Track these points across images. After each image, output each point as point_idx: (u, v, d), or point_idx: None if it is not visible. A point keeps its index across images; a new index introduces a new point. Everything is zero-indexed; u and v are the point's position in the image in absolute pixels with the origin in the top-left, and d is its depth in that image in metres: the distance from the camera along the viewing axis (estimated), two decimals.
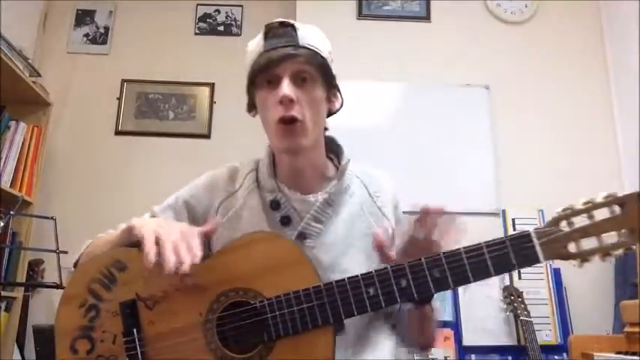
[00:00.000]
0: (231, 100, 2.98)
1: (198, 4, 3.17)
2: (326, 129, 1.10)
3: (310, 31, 1.04)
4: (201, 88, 3.03)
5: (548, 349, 2.31)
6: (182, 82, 3.02)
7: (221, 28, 3.16)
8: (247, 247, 0.95)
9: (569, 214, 0.84)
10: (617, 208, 0.81)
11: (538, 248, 0.84)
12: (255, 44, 1.07)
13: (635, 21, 2.59)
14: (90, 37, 3.09)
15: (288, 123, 0.99)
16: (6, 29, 2.37)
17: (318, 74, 1.02)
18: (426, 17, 2.91)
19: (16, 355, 2.32)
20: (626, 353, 1.83)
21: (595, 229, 0.82)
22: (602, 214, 0.82)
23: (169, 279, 0.89)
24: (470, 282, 0.86)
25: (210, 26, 3.16)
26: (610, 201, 0.82)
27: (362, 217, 1.08)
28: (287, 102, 0.98)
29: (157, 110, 2.99)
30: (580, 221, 0.83)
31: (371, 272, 0.89)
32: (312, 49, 1.02)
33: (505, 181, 2.65)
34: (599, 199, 0.83)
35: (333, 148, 1.14)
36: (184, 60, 3.06)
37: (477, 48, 2.85)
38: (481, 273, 0.86)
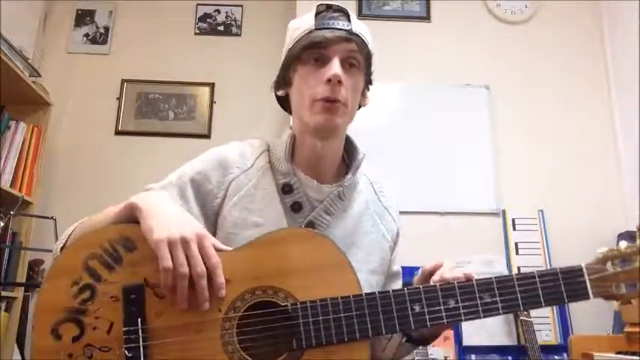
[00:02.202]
0: (231, 100, 2.99)
1: (198, 4, 3.17)
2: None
3: (360, 23, 1.03)
4: (201, 88, 3.02)
5: (548, 349, 2.31)
6: (182, 82, 3.02)
7: (221, 28, 3.16)
8: (281, 243, 0.86)
9: (617, 255, 0.86)
10: None
11: (588, 284, 0.84)
12: (302, 22, 1.02)
13: (635, 21, 2.59)
14: (90, 37, 3.09)
15: (332, 102, 0.97)
16: (6, 29, 2.36)
17: (365, 65, 1.02)
18: (426, 17, 2.91)
19: (16, 355, 2.32)
20: (626, 353, 1.83)
21: (638, 274, 0.84)
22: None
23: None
24: (519, 310, 0.85)
25: (210, 26, 3.16)
26: None
27: (368, 214, 1.07)
28: (336, 82, 0.95)
29: (157, 110, 2.98)
30: (621, 264, 0.86)
31: (418, 287, 0.85)
32: (363, 39, 1.00)
33: (505, 181, 2.65)
34: None
35: (346, 146, 1.11)
36: (184, 60, 3.06)
37: (477, 48, 2.84)
38: (531, 302, 0.84)
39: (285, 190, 1.01)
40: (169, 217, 0.84)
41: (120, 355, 0.78)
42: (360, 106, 1.09)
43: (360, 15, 2.88)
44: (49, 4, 3.06)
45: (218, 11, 3.18)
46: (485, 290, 0.84)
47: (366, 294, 0.83)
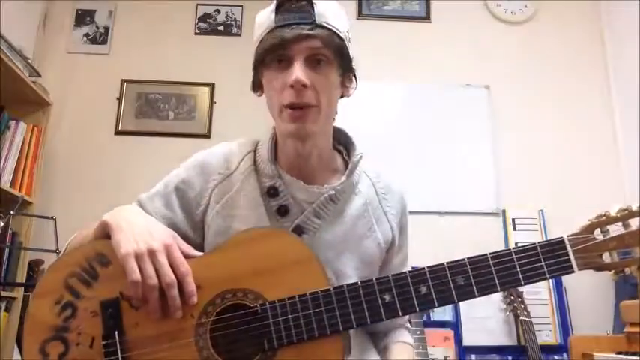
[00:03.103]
0: (231, 100, 2.99)
1: (198, 4, 3.17)
2: (335, 113, 1.01)
3: (328, 7, 0.93)
4: (201, 88, 3.03)
5: (548, 349, 2.31)
6: (182, 82, 3.02)
7: (221, 28, 3.16)
8: (248, 244, 0.86)
9: (604, 221, 0.81)
10: None
11: (572, 257, 0.79)
12: (264, 17, 0.94)
13: (635, 21, 2.59)
14: (90, 37, 3.09)
15: (300, 108, 0.90)
16: (6, 29, 2.36)
17: (335, 57, 0.92)
18: (426, 17, 2.91)
19: (16, 355, 2.32)
20: (626, 353, 1.83)
21: (631, 239, 0.79)
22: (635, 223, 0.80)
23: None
24: (497, 290, 0.80)
25: (210, 26, 3.16)
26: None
27: (365, 218, 1.00)
28: (299, 87, 0.88)
29: (157, 110, 2.98)
30: (614, 230, 0.80)
31: (387, 276, 0.82)
32: (329, 29, 0.91)
33: (505, 181, 2.64)
34: (635, 207, 0.80)
35: (342, 140, 1.05)
36: (184, 60, 3.06)
37: (477, 48, 2.84)
38: (509, 282, 0.79)
39: (270, 193, 0.96)
40: (137, 230, 0.85)
41: None
42: (343, 97, 1.01)
43: (360, 15, 2.88)
44: (49, 4, 3.06)
45: (218, 11, 3.18)
46: (458, 273, 0.80)
47: (334, 288, 0.82)
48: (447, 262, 0.82)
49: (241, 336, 0.82)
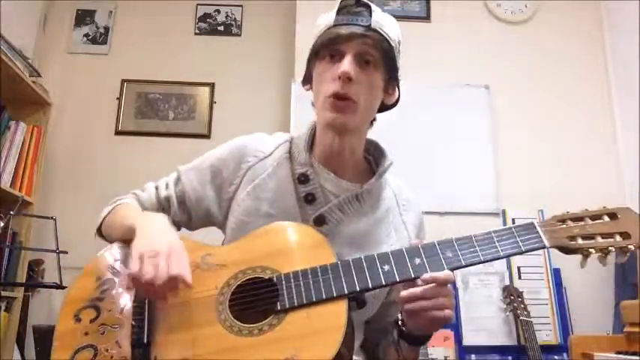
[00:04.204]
0: (231, 100, 2.99)
1: (198, 4, 3.17)
2: (374, 120, 1.08)
3: (384, 17, 1.02)
4: (201, 88, 3.03)
5: (548, 349, 2.31)
6: (182, 82, 3.02)
7: (221, 28, 3.16)
8: (270, 234, 0.96)
9: (567, 216, 0.95)
10: (607, 218, 0.92)
11: (542, 234, 0.91)
12: (325, 17, 1.04)
13: (635, 21, 2.59)
14: (90, 37, 3.09)
15: (342, 99, 0.97)
16: (6, 29, 2.36)
17: (382, 61, 1.01)
18: (426, 17, 2.91)
19: (16, 355, 2.32)
20: (626, 353, 1.83)
21: (592, 229, 0.92)
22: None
23: (190, 258, 0.91)
24: (480, 262, 0.90)
25: (210, 26, 3.16)
26: (603, 212, 0.94)
27: (385, 224, 1.06)
28: (345, 79, 0.96)
29: (157, 110, 2.99)
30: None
31: (387, 252, 0.92)
32: (381, 34, 1.00)
33: (505, 181, 2.65)
34: (593, 209, 0.95)
35: (371, 151, 1.12)
36: (184, 60, 3.06)
37: (477, 48, 2.85)
38: (491, 254, 0.90)
39: (301, 179, 1.03)
40: (154, 239, 0.93)
41: (128, 329, 0.89)
42: (387, 105, 1.09)
43: None
44: (49, 4, 3.06)
45: (218, 11, 3.18)
46: (447, 248, 0.91)
47: (340, 261, 0.91)
48: (437, 241, 0.92)
49: (257, 302, 0.90)
